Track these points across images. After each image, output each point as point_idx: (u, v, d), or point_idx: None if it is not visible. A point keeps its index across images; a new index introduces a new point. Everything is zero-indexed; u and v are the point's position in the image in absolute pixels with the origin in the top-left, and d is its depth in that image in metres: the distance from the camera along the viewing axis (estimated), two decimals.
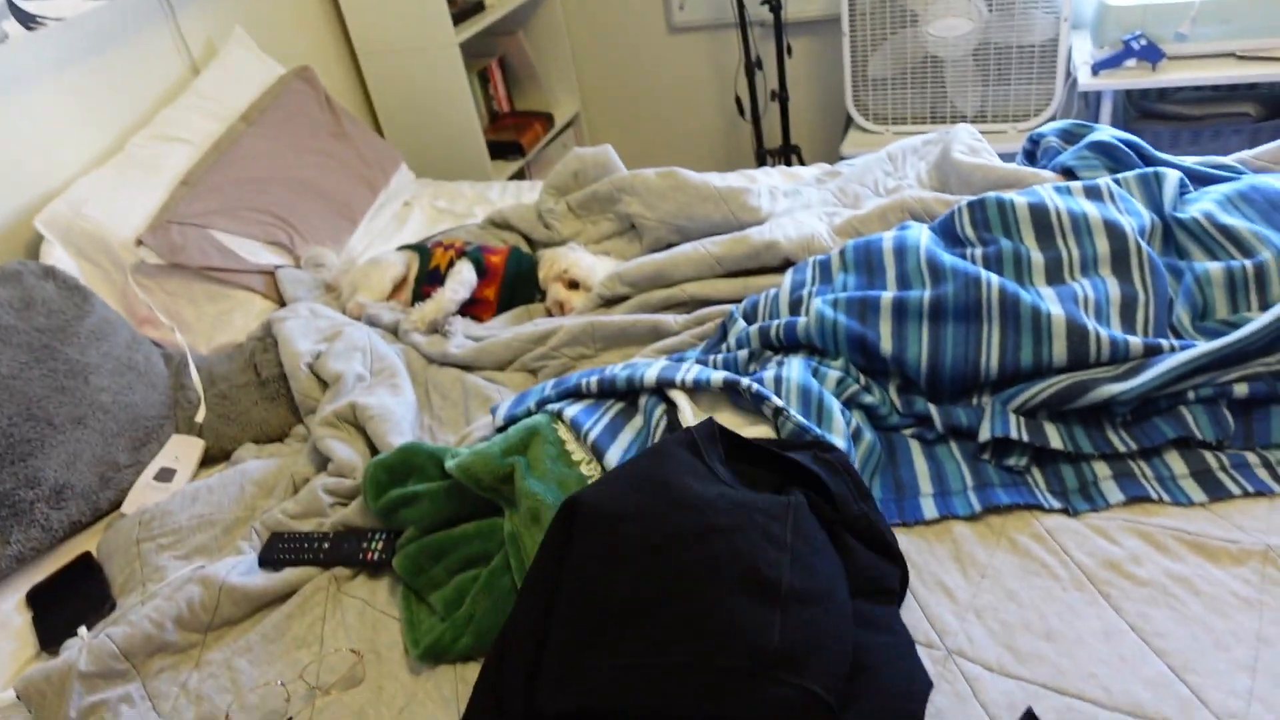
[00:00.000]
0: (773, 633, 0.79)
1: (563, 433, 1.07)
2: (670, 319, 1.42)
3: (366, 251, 1.95)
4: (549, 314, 1.57)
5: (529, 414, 1.17)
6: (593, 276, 1.54)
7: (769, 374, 1.16)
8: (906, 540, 1.02)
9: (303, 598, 1.09)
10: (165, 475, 1.33)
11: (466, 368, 1.46)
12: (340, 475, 1.20)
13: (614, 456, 1.06)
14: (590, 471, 1.04)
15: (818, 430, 1.05)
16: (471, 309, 1.60)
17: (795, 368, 1.15)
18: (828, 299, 1.25)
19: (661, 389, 1.13)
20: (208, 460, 1.39)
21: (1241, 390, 1.06)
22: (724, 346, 1.32)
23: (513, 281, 1.60)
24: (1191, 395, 1.08)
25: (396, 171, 2.14)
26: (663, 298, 1.49)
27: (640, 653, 0.77)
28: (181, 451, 1.36)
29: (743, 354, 1.27)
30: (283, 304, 1.70)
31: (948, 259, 1.23)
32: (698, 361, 1.27)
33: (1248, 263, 1.16)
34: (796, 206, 1.67)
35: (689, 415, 1.07)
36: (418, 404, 1.36)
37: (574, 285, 1.55)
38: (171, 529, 1.22)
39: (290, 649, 1.04)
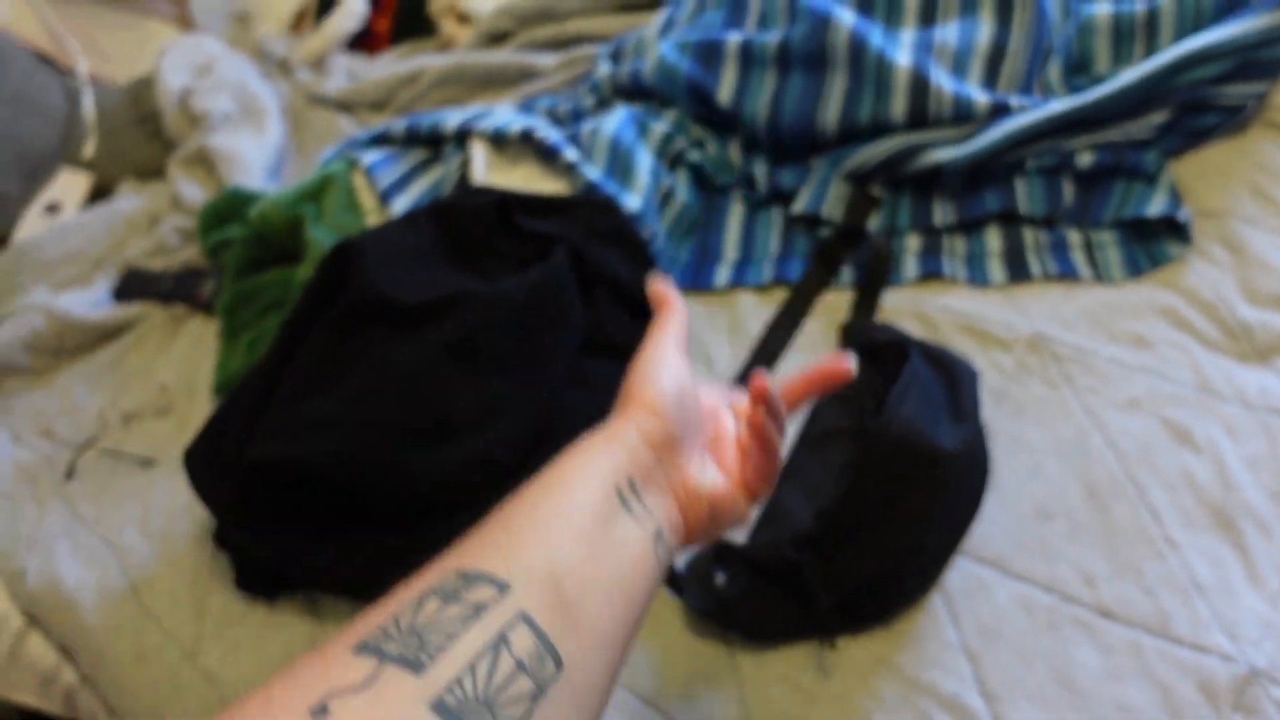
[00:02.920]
0: (462, 397, 0.80)
1: (357, 180, 1.05)
2: (543, 59, 1.33)
3: None
4: (441, 50, 1.49)
5: None
6: (482, 10, 1.44)
7: (588, 125, 1.08)
8: (696, 306, 0.99)
9: (141, 332, 1.16)
10: (54, 209, 1.38)
11: (345, 108, 1.42)
12: (189, 216, 1.22)
13: (400, 206, 1.03)
14: (376, 221, 1.03)
15: (610, 189, 1.00)
16: (364, 43, 1.53)
17: (614, 119, 1.07)
18: (676, 41, 1.13)
19: (463, 137, 1.07)
20: (98, 195, 1.43)
21: (1085, 160, 0.94)
22: (580, 92, 1.24)
23: (406, 13, 1.51)
24: (1030, 164, 0.96)
25: None
26: (548, 36, 1.38)
27: (343, 408, 0.80)
28: (69, 185, 1.40)
29: (590, 101, 1.19)
30: None
31: None
32: (548, 109, 1.20)
33: (1144, 7, 0.99)
34: None
35: (480, 168, 1.02)
36: (287, 147, 1.34)
37: (464, 20, 1.45)
38: (45, 261, 1.28)
39: (125, 379, 1.12)
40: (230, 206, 1.13)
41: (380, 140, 1.12)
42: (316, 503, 0.78)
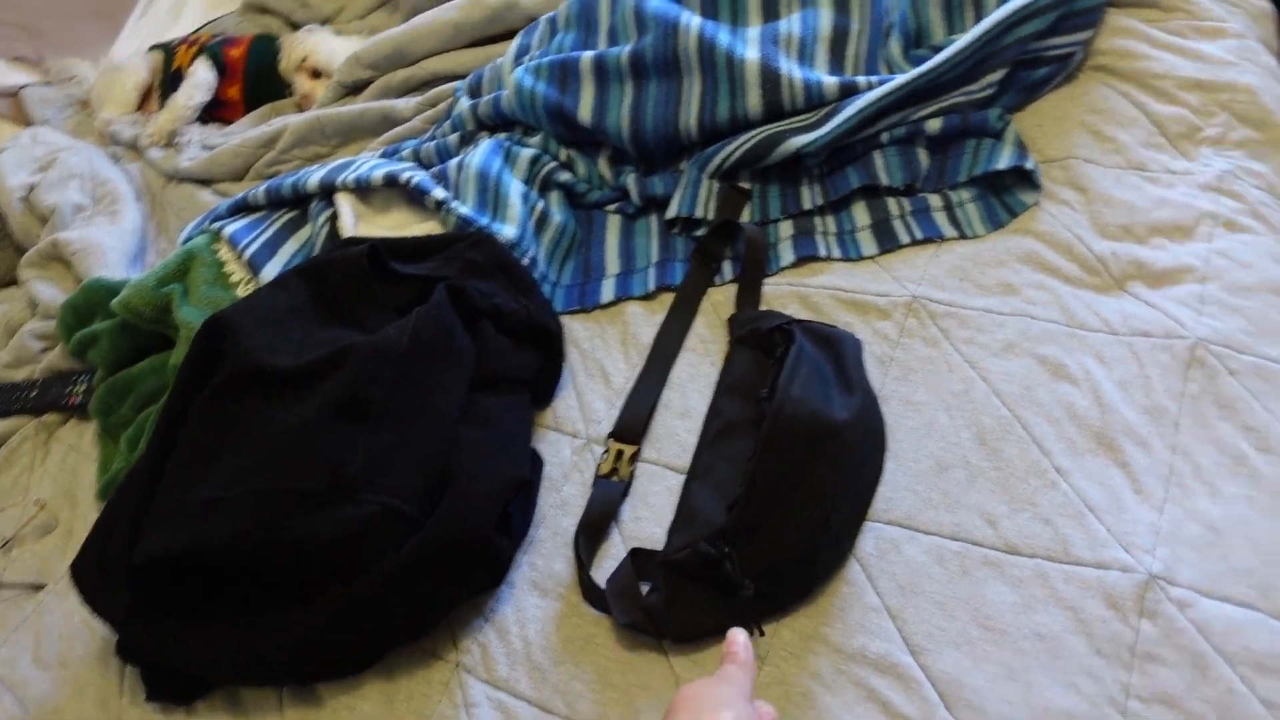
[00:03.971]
0: (355, 453, 0.78)
1: (222, 252, 1.02)
2: (401, 103, 1.32)
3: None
4: (299, 110, 1.47)
5: None
6: (334, 62, 1.42)
7: (454, 161, 1.08)
8: (583, 326, 0.99)
9: (9, 450, 1.10)
10: None
11: (205, 182, 1.38)
12: (48, 318, 1.17)
13: (270, 272, 1.01)
14: (248, 291, 1.00)
15: (482, 221, 1.00)
16: (218, 112, 1.49)
17: (479, 151, 1.07)
18: (530, 66, 1.14)
19: (329, 192, 1.06)
20: None
21: (934, 126, 0.98)
22: (441, 131, 1.23)
23: (256, 76, 1.48)
24: (885, 138, 1.00)
25: None
26: (404, 79, 1.37)
27: (227, 484, 0.76)
28: None
29: (454, 138, 1.19)
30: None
31: (653, 4, 1.11)
32: (413, 152, 1.19)
33: None
34: None
35: (349, 221, 1.01)
36: (148, 230, 1.31)
37: (318, 74, 1.44)
38: None
39: None
40: (92, 300, 1.09)
41: (242, 208, 1.10)
42: (217, 592, 0.75)
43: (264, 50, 1.50)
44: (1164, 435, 0.70)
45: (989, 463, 0.72)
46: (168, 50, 1.54)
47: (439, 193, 1.01)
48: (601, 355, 0.95)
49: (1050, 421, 0.73)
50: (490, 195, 1.03)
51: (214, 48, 1.49)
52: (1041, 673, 0.61)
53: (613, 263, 1.04)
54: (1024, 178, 0.94)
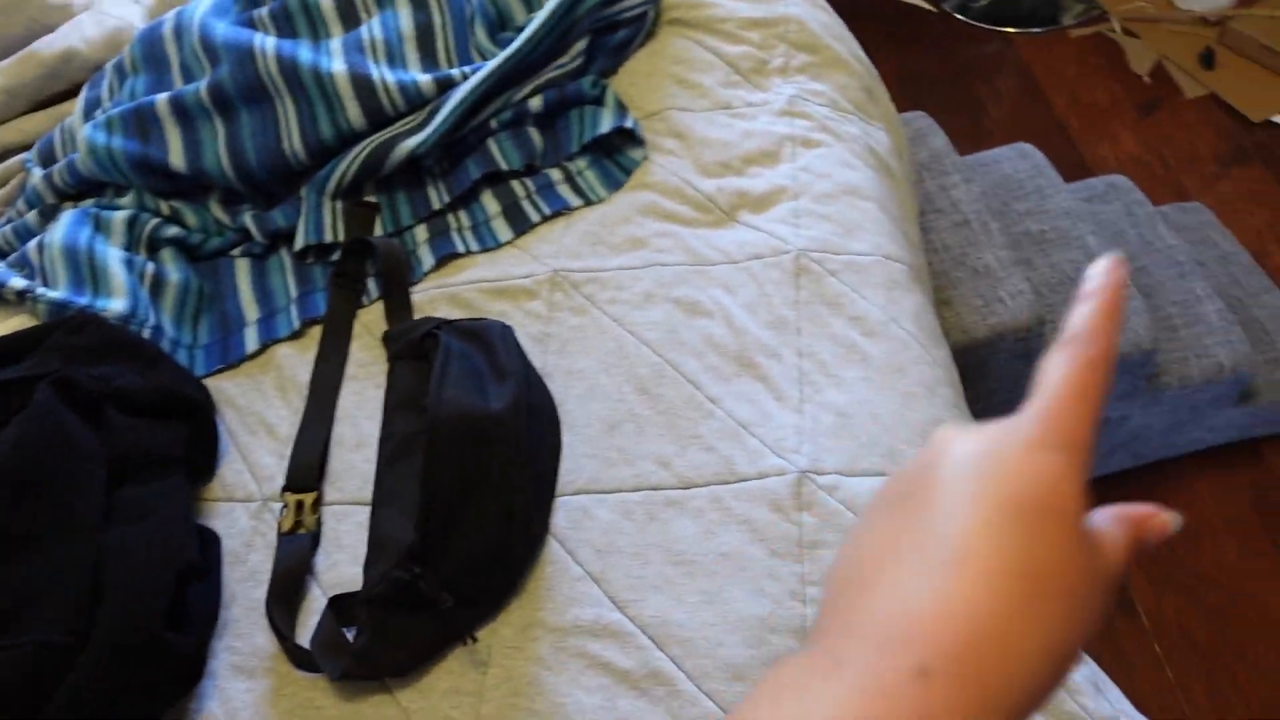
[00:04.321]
0: None
1: None
2: None
3: None
4: None
5: None
6: None
7: (33, 243, 0.96)
8: (234, 383, 0.92)
9: None
10: None
11: None
12: None
13: None
14: None
15: (82, 301, 0.89)
16: None
17: (61, 226, 0.96)
18: (100, 120, 1.03)
19: None
20: None
21: (537, 104, 1.00)
22: (17, 210, 1.09)
23: None
24: (494, 124, 1.01)
25: None
26: None
27: None
28: None
29: (32, 216, 1.05)
30: None
31: (221, 31, 1.04)
32: None
33: None
34: None
35: None
36: None
37: None
38: None
39: None
40: None
41: None
42: None
43: None
44: (790, 343, 0.77)
45: (652, 409, 0.76)
46: None
47: (17, 282, 0.89)
48: (260, 408, 0.89)
49: (696, 356, 0.78)
50: (85, 271, 0.93)
51: None
52: (733, 588, 0.65)
53: (250, 309, 0.97)
54: (629, 136, 0.99)
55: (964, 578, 0.25)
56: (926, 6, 2.22)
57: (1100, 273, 0.30)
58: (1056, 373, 0.29)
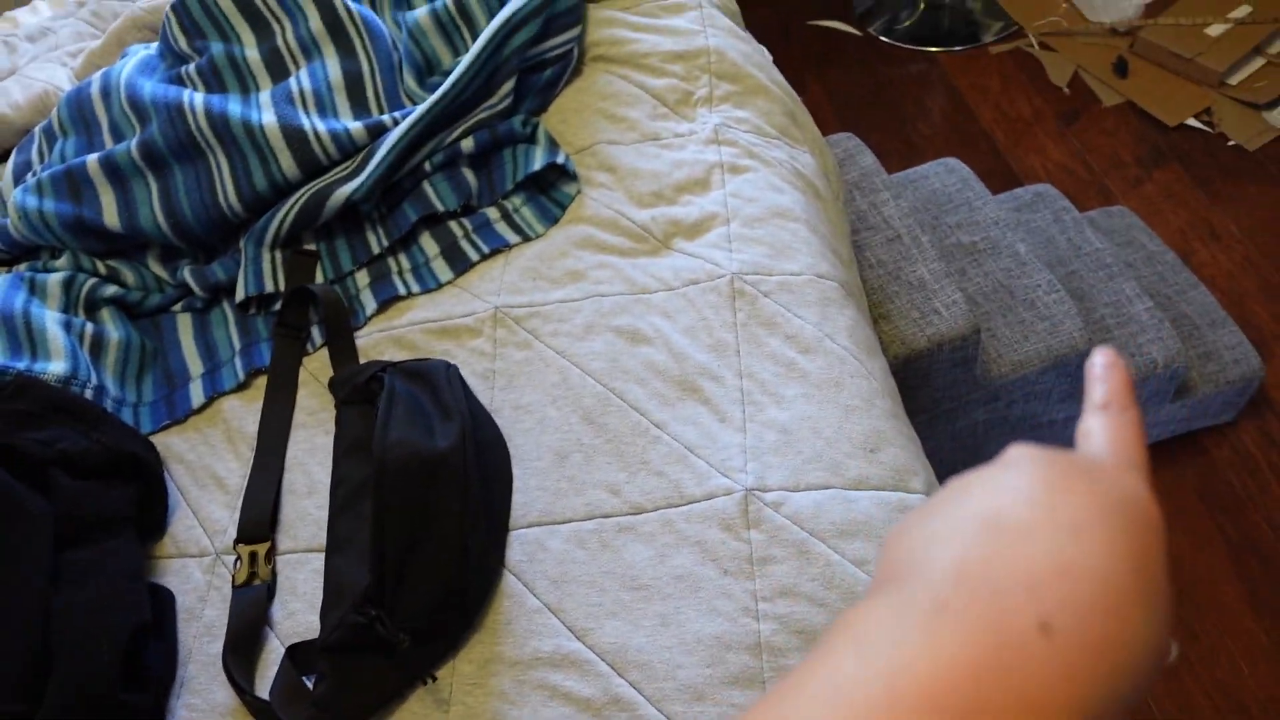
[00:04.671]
0: None
1: None
2: None
3: None
4: None
5: None
6: None
7: None
8: (182, 439, 0.91)
9: None
10: None
11: None
12: None
13: None
14: None
15: (20, 366, 0.88)
16: None
17: None
18: (30, 184, 1.03)
19: None
20: None
21: (469, 145, 1.02)
22: None
23: None
24: (429, 167, 1.02)
25: None
26: None
27: None
28: None
29: None
30: None
31: (149, 89, 1.04)
32: None
33: (448, 0, 1.08)
34: (43, 52, 1.36)
35: None
36: None
37: None
38: None
39: None
40: None
41: None
42: None
43: None
44: (730, 364, 0.78)
45: (600, 438, 0.77)
46: None
47: None
48: (210, 461, 0.89)
49: (639, 383, 0.80)
50: (22, 334, 0.92)
51: None
52: (688, 610, 0.66)
53: (195, 363, 0.97)
54: (562, 172, 1.01)
55: (1082, 549, 0.25)
56: (852, 31, 2.28)
57: (1103, 362, 0.33)
58: (1105, 430, 0.31)
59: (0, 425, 0.81)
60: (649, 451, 0.75)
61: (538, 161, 0.99)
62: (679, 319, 0.83)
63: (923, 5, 2.26)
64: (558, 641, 0.67)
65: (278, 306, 0.98)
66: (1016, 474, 0.28)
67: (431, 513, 0.67)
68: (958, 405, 1.16)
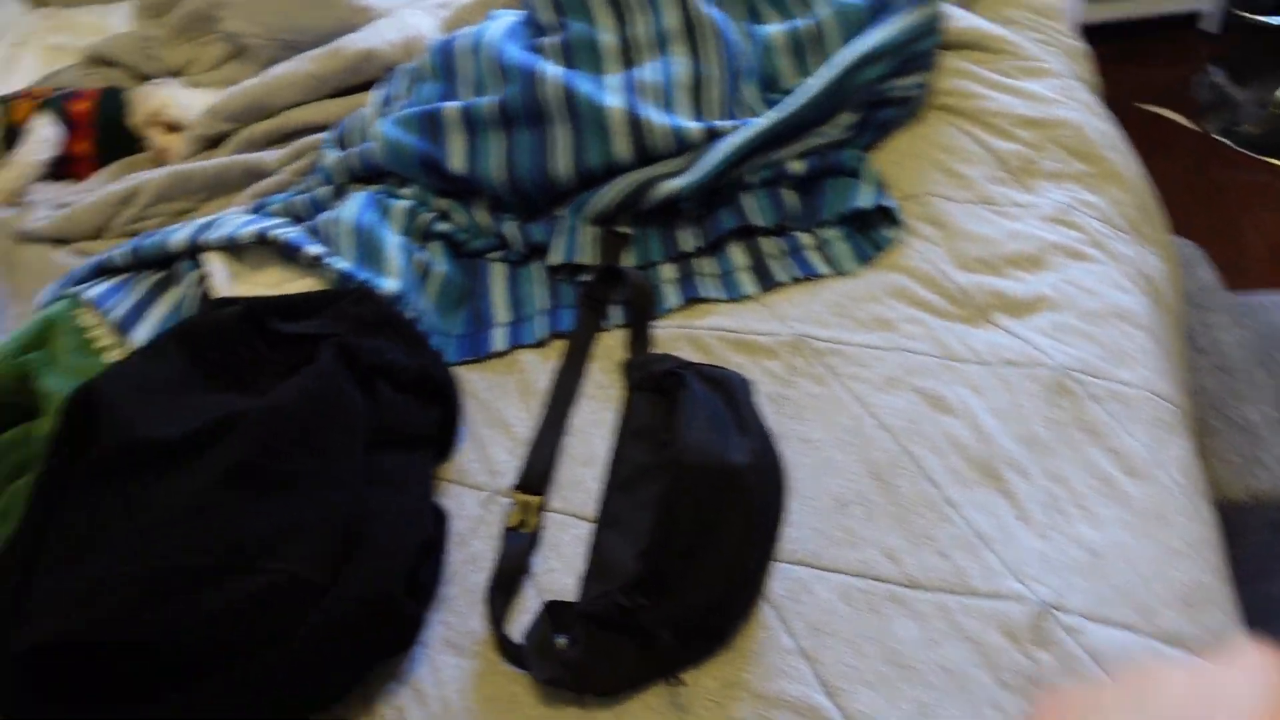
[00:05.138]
0: (251, 522, 0.75)
1: (85, 318, 0.96)
2: (268, 156, 1.28)
3: None
4: (155, 165, 1.39)
5: None
6: (191, 115, 1.36)
7: (327, 215, 1.05)
8: (480, 377, 0.98)
9: None
10: None
11: (60, 241, 1.30)
12: None
13: (140, 336, 0.96)
14: (117, 357, 0.95)
15: (362, 276, 0.98)
16: (70, 169, 1.40)
17: (353, 205, 1.05)
18: (396, 117, 1.13)
19: (196, 251, 1.02)
20: None
21: (798, 167, 1.03)
22: (311, 183, 1.20)
23: (106, 131, 1.40)
24: (751, 179, 1.04)
25: None
26: (267, 130, 1.33)
27: (115, 563, 0.72)
28: None
29: (324, 191, 1.16)
30: None
31: (513, 55, 1.12)
32: (283, 205, 1.15)
33: (809, 21, 1.09)
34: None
35: (222, 281, 0.97)
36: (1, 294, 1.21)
37: (173, 128, 1.37)
38: None
39: None
40: None
41: (103, 270, 1.04)
42: (112, 677, 0.70)
43: (114, 102, 1.42)
44: (1040, 463, 0.75)
45: (885, 498, 0.76)
46: (4, 105, 1.43)
47: (313, 248, 0.98)
48: (501, 405, 0.95)
49: (936, 453, 0.78)
50: (368, 249, 1.01)
51: (56, 101, 1.40)
52: (952, 707, 0.64)
53: (502, 311, 1.04)
54: (885, 214, 1.00)
55: None
56: (1187, 124, 2.12)
57: None
58: None
59: (346, 325, 0.90)
60: (936, 528, 0.73)
61: (866, 199, 0.98)
62: (989, 397, 0.81)
63: (1275, 110, 2.06)
64: (806, 690, 0.67)
65: (585, 278, 1.02)
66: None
67: (717, 523, 0.69)
68: (1261, 572, 1.05)
